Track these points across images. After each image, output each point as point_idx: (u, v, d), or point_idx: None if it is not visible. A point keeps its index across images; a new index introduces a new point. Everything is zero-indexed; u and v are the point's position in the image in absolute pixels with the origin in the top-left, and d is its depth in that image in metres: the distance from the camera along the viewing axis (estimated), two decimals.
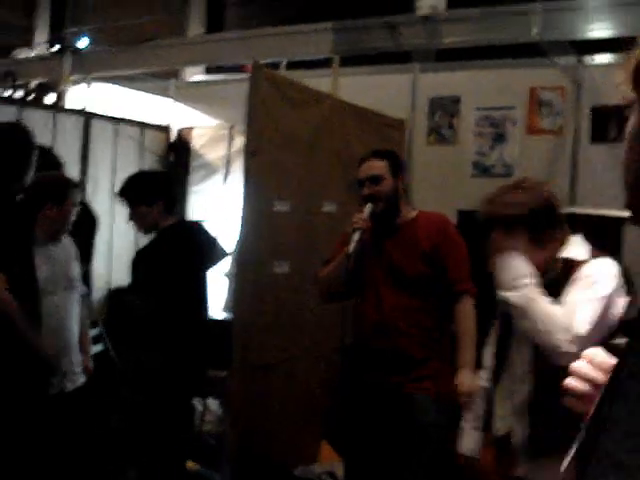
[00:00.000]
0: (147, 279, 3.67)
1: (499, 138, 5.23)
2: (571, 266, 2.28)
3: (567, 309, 2.18)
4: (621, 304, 2.22)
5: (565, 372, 1.12)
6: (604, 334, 2.15)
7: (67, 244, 3.52)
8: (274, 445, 3.90)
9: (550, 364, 2.13)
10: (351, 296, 3.33)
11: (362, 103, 4.46)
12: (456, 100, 5.39)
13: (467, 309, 3.13)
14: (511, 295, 2.24)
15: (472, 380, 2.88)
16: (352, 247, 3.08)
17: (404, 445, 3.08)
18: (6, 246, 2.95)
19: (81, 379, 3.48)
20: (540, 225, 2.31)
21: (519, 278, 2.23)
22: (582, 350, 2.11)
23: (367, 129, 4.45)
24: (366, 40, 5.36)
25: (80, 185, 4.52)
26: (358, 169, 3.24)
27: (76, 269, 3.54)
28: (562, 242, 2.35)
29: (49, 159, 3.87)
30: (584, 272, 2.24)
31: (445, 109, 5.44)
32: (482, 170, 5.27)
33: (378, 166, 3.20)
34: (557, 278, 2.29)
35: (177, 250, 3.68)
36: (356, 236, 3.10)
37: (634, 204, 0.92)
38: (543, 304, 2.20)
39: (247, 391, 3.62)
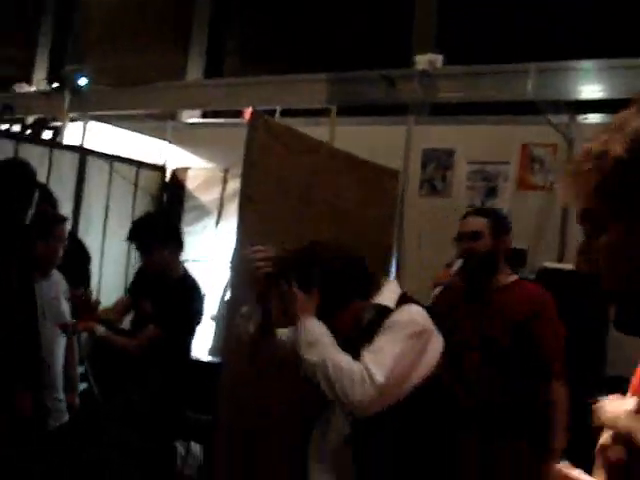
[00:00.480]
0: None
1: (490, 192, 5.28)
2: (383, 312, 2.24)
3: (365, 359, 2.10)
4: (438, 342, 2.21)
5: None
6: (422, 369, 2.14)
7: (57, 279, 3.52)
8: None
9: None
10: None
11: (356, 152, 4.51)
12: (450, 153, 5.46)
13: (558, 392, 2.94)
14: (306, 356, 2.14)
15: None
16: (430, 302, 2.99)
17: None
18: (12, 280, 2.96)
19: (65, 417, 3.45)
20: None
21: (313, 337, 2.15)
22: (390, 396, 2.12)
23: (362, 178, 4.48)
24: (362, 92, 5.43)
25: (70, 220, 4.53)
26: (460, 223, 3.18)
27: (65, 304, 3.53)
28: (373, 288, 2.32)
29: (45, 196, 3.88)
30: (392, 319, 2.20)
31: (438, 161, 5.50)
32: None
33: (478, 223, 3.09)
34: (371, 323, 2.24)
35: (197, 304, 3.77)
36: (436, 291, 3.07)
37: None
38: (337, 359, 2.10)
39: (232, 438, 3.57)
